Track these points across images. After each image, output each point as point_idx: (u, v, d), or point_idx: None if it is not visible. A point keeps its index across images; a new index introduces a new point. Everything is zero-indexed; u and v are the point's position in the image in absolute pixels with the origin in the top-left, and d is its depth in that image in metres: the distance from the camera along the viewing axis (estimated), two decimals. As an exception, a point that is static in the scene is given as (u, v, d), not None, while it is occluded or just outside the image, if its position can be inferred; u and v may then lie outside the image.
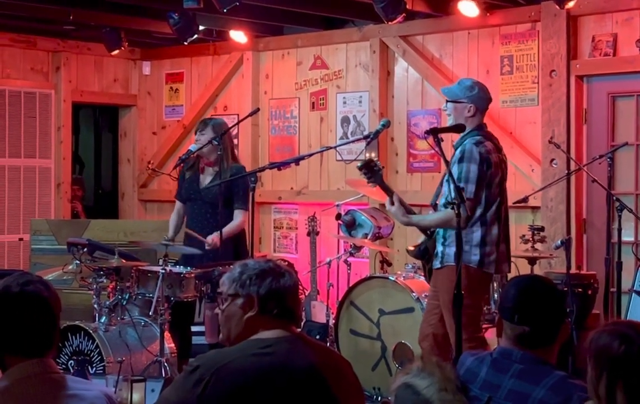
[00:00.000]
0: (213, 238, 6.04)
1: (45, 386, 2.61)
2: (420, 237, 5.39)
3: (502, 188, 5.16)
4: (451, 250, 4.96)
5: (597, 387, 2.38)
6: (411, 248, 5.45)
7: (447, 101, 5.26)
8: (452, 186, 4.42)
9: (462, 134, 5.13)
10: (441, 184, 5.26)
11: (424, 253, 5.29)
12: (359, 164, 5.08)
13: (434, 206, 5.30)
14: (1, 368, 2.66)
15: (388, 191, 5.11)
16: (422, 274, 6.55)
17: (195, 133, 6.47)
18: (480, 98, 5.19)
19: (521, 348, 2.90)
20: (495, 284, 5.97)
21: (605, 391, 2.35)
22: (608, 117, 6.94)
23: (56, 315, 2.68)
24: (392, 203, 5.07)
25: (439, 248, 5.13)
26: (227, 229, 6.12)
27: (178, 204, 6.59)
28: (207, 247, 6.09)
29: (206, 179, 6.37)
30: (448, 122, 5.26)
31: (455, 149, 5.15)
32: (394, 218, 5.31)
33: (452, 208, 4.30)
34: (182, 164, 6.41)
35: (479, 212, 5.02)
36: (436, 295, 5.21)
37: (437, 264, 5.14)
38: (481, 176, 4.98)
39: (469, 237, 5.00)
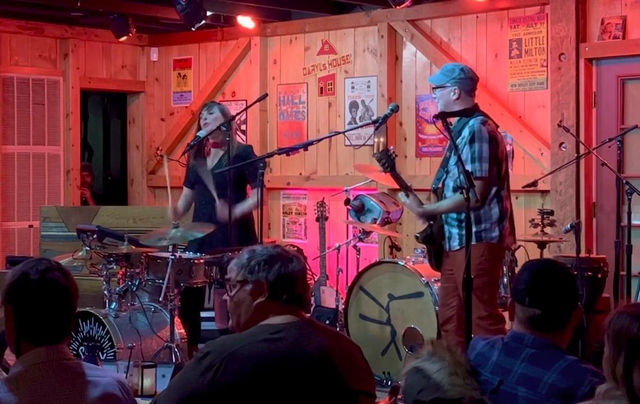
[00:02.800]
0: (224, 216, 5.98)
1: (60, 373, 2.61)
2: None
3: (506, 164, 5.28)
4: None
5: (614, 367, 2.39)
6: (417, 234, 5.49)
7: (433, 89, 5.36)
8: (462, 169, 4.43)
9: (458, 117, 5.18)
10: (443, 167, 5.27)
11: (430, 238, 5.32)
12: (377, 154, 5.14)
13: (434, 191, 5.32)
14: (16, 353, 2.66)
15: (401, 182, 5.15)
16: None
17: (201, 115, 6.41)
18: (462, 79, 5.25)
19: (532, 332, 2.90)
20: (505, 268, 5.97)
21: (622, 371, 2.37)
22: (617, 100, 6.91)
23: (73, 303, 2.68)
24: (407, 196, 5.15)
25: (454, 230, 5.17)
26: (246, 205, 6.15)
27: (185, 190, 6.57)
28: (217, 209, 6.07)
29: (214, 161, 6.36)
30: (438, 108, 5.32)
31: (458, 133, 5.14)
32: (409, 210, 5.35)
33: (462, 193, 4.32)
34: (190, 150, 6.40)
35: (494, 189, 5.11)
36: (451, 277, 5.23)
37: (454, 245, 5.17)
38: (492, 153, 5.08)
39: (488, 215, 5.11)
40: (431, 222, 5.30)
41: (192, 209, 6.56)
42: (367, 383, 2.91)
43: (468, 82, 5.28)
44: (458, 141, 5.10)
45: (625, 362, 2.37)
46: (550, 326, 2.91)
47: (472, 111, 5.22)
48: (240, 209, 6.13)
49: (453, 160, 5.13)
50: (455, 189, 5.05)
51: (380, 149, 6.58)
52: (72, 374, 2.64)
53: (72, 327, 2.70)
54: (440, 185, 5.25)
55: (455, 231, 5.17)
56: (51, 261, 2.71)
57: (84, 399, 2.62)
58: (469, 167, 4.98)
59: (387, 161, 5.04)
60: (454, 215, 5.16)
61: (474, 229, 5.02)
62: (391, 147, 5.23)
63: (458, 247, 5.15)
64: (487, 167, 5.04)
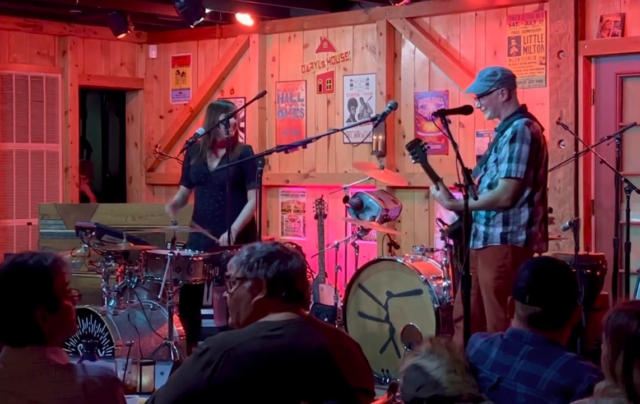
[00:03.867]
0: (224, 239, 6.03)
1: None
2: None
3: (546, 168, 5.23)
4: (496, 230, 5.04)
5: (613, 365, 2.39)
6: (444, 228, 5.45)
7: (477, 98, 5.24)
8: (484, 167, 4.39)
9: (504, 118, 5.14)
10: (481, 165, 5.24)
11: (457, 232, 5.27)
12: (407, 143, 5.08)
13: (459, 186, 5.28)
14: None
15: (432, 174, 5.10)
16: (430, 256, 6.57)
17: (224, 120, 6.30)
18: (506, 78, 5.20)
19: (532, 329, 2.90)
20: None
21: (621, 368, 2.37)
22: (616, 97, 6.91)
23: None
24: (438, 188, 5.08)
25: (481, 228, 5.12)
26: (244, 214, 6.16)
27: (183, 188, 6.53)
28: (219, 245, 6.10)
29: (215, 162, 6.35)
30: (486, 117, 5.29)
31: (500, 133, 5.11)
32: (439, 202, 5.28)
33: (460, 190, 4.30)
34: (188, 148, 6.38)
35: (527, 192, 5.04)
36: (472, 275, 5.20)
37: (478, 244, 5.12)
38: (532, 156, 5.01)
39: (517, 218, 5.04)
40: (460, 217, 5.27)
41: (192, 209, 6.54)
42: (366, 381, 2.91)
43: (511, 80, 5.23)
44: (500, 139, 5.09)
45: (625, 360, 2.37)
46: (550, 324, 2.91)
47: (521, 111, 5.15)
48: (240, 221, 6.15)
49: (493, 158, 5.12)
50: (497, 183, 5.02)
51: (380, 146, 6.58)
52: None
53: None
54: (475, 181, 5.21)
55: (482, 229, 5.11)
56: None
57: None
58: (504, 166, 4.97)
59: (418, 151, 4.96)
60: (483, 213, 5.10)
61: (500, 230, 5.01)
62: (423, 140, 5.12)
63: (481, 246, 5.10)
64: (524, 168, 4.97)
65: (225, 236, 5.98)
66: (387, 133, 7.85)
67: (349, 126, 7.81)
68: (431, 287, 6.14)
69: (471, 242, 5.19)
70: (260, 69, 8.81)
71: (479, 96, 5.22)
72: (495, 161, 5.08)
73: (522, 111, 5.19)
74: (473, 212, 5.16)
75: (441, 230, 5.60)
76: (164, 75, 9.63)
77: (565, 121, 6.77)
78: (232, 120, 6.12)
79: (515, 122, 5.07)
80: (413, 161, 5.04)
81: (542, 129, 5.24)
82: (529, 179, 5.03)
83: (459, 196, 5.00)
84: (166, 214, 6.35)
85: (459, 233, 5.26)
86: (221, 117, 6.10)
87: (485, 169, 5.18)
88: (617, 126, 6.75)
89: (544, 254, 5.20)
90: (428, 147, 5.15)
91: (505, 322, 4.87)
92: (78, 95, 9.21)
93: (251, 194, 6.25)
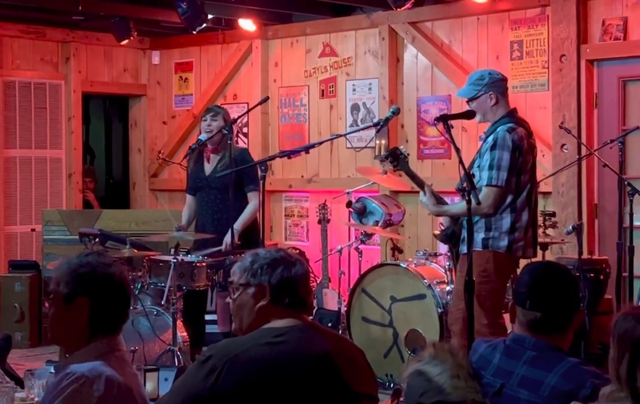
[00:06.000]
0: (226, 242, 6.05)
1: (123, 358, 2.82)
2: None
3: (532, 174, 5.19)
4: (478, 236, 5.05)
5: (618, 368, 2.41)
6: (437, 232, 5.46)
7: (467, 101, 5.25)
8: (477, 172, 4.41)
9: (493, 122, 5.13)
10: (469, 169, 5.24)
11: (451, 237, 5.28)
12: (384, 153, 5.08)
13: (459, 190, 5.27)
14: (81, 346, 2.77)
15: (416, 179, 5.10)
16: (434, 260, 6.58)
17: (203, 119, 6.44)
18: (494, 82, 5.18)
19: (533, 335, 2.90)
20: (518, 271, 5.98)
21: (626, 372, 2.38)
22: (619, 101, 6.91)
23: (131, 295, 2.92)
24: (424, 193, 5.09)
25: (466, 234, 5.12)
26: (246, 214, 6.18)
27: (189, 198, 6.58)
28: (223, 250, 6.12)
29: (211, 166, 6.39)
30: (477, 120, 5.27)
31: (487, 137, 5.12)
32: (425, 208, 5.29)
33: (463, 195, 4.30)
34: (191, 154, 6.41)
35: (509, 199, 5.03)
36: (460, 280, 5.22)
37: (463, 249, 5.14)
38: (513, 163, 5.00)
39: (499, 224, 5.04)
40: (454, 222, 5.27)
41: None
42: (370, 386, 2.91)
43: (500, 83, 5.21)
44: (484, 145, 5.09)
45: (629, 364, 2.38)
46: (552, 329, 2.91)
47: (509, 116, 5.14)
48: (242, 221, 6.17)
49: (477, 163, 5.12)
50: (481, 189, 5.01)
51: (382, 151, 6.54)
52: (127, 364, 2.85)
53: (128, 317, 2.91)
54: (464, 186, 5.20)
55: (466, 234, 5.14)
56: (106, 256, 2.91)
57: (138, 379, 2.87)
58: (486, 174, 4.97)
59: (396, 159, 4.97)
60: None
61: (482, 236, 5.02)
62: (383, 141, 5.12)
63: (466, 251, 5.12)
64: (505, 176, 4.97)
65: (228, 237, 5.98)
66: (390, 138, 7.85)
67: (351, 131, 7.81)
68: (435, 291, 6.14)
69: (459, 247, 5.21)
70: (262, 74, 8.82)
71: (468, 100, 5.23)
72: (479, 166, 5.07)
73: (510, 115, 5.17)
74: (461, 217, 5.17)
75: (434, 234, 5.60)
76: (167, 81, 9.64)
77: (568, 125, 6.77)
78: (215, 123, 6.21)
79: (498, 129, 5.06)
80: (394, 169, 5.04)
81: (530, 134, 5.21)
82: (510, 186, 5.01)
83: (458, 199, 5.02)
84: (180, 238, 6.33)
85: (452, 237, 5.28)
86: (215, 121, 6.21)
87: (472, 175, 5.16)
88: (620, 129, 6.75)
89: (533, 259, 5.20)
90: (408, 154, 5.15)
91: (487, 327, 4.89)
92: (81, 101, 9.22)
93: (252, 196, 6.27)
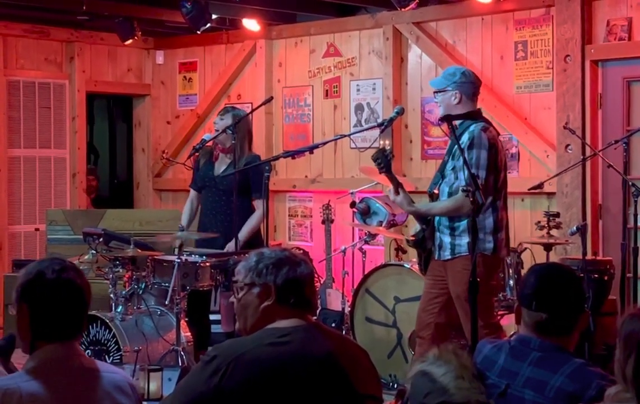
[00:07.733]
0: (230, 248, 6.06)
1: (75, 369, 2.66)
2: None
3: (505, 173, 5.16)
4: (462, 240, 4.97)
5: (624, 369, 2.41)
6: (411, 238, 5.41)
7: (435, 92, 5.23)
8: (467, 173, 4.38)
9: (460, 122, 5.08)
10: (441, 171, 5.19)
11: (421, 243, 5.23)
12: (373, 154, 5.05)
13: (430, 194, 5.24)
14: (30, 350, 2.70)
15: (394, 181, 5.07)
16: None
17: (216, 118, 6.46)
18: (464, 83, 5.12)
19: (539, 336, 2.90)
20: (510, 271, 5.96)
21: (632, 372, 2.39)
22: (623, 101, 6.90)
23: (87, 302, 2.74)
24: (397, 193, 5.04)
25: (446, 239, 5.05)
26: (250, 224, 6.18)
27: (192, 193, 6.59)
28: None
29: (221, 167, 6.38)
30: (439, 113, 5.22)
31: (459, 137, 5.06)
32: (400, 207, 5.25)
33: (467, 195, 4.27)
34: (196, 153, 6.41)
35: (489, 199, 4.98)
36: (437, 284, 5.15)
37: (446, 255, 5.06)
38: (491, 161, 4.95)
39: (482, 224, 4.95)
40: (424, 227, 5.22)
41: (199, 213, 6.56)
42: (374, 387, 2.91)
43: (469, 86, 5.15)
44: (455, 145, 5.05)
45: (635, 364, 2.38)
46: (557, 330, 2.90)
47: (474, 116, 5.12)
48: (247, 230, 6.17)
49: (450, 165, 5.05)
50: (457, 191, 4.96)
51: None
52: (86, 370, 2.69)
53: (84, 325, 2.76)
54: (436, 190, 5.17)
55: (447, 240, 5.05)
56: (65, 261, 2.77)
57: (98, 392, 2.67)
58: (465, 173, 4.94)
59: (384, 161, 4.91)
60: (447, 223, 5.04)
61: (467, 240, 4.90)
62: (387, 142, 5.08)
63: (449, 257, 5.04)
64: (484, 175, 4.90)
65: (231, 246, 5.99)
66: (394, 138, 7.84)
67: (355, 131, 7.80)
68: (438, 292, 6.13)
69: (436, 253, 5.12)
70: (267, 74, 8.82)
71: (435, 91, 5.20)
72: (453, 168, 5.01)
73: (474, 116, 5.10)
74: (436, 222, 5.12)
75: (407, 240, 5.55)
76: (171, 81, 9.64)
77: (572, 126, 6.76)
78: (222, 122, 6.21)
79: (471, 128, 4.99)
80: (379, 171, 5.00)
81: (498, 134, 5.17)
82: (489, 185, 4.95)
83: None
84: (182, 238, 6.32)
85: (423, 243, 5.23)
86: (222, 120, 6.21)
87: (443, 177, 5.10)
88: (624, 130, 6.74)
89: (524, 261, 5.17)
90: (393, 155, 5.11)
91: (482, 328, 4.84)
92: (85, 101, 9.23)
93: (258, 204, 6.26)
